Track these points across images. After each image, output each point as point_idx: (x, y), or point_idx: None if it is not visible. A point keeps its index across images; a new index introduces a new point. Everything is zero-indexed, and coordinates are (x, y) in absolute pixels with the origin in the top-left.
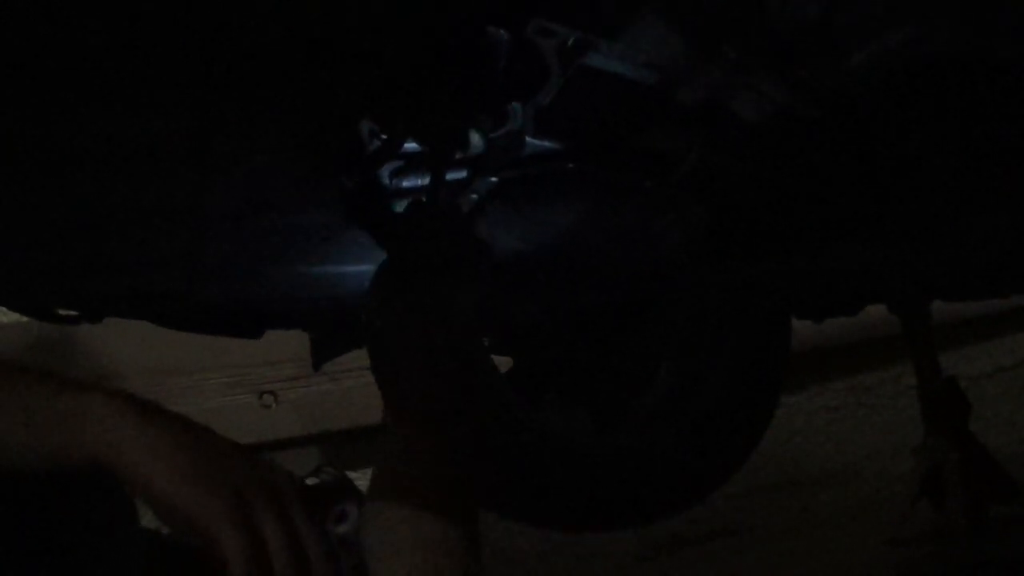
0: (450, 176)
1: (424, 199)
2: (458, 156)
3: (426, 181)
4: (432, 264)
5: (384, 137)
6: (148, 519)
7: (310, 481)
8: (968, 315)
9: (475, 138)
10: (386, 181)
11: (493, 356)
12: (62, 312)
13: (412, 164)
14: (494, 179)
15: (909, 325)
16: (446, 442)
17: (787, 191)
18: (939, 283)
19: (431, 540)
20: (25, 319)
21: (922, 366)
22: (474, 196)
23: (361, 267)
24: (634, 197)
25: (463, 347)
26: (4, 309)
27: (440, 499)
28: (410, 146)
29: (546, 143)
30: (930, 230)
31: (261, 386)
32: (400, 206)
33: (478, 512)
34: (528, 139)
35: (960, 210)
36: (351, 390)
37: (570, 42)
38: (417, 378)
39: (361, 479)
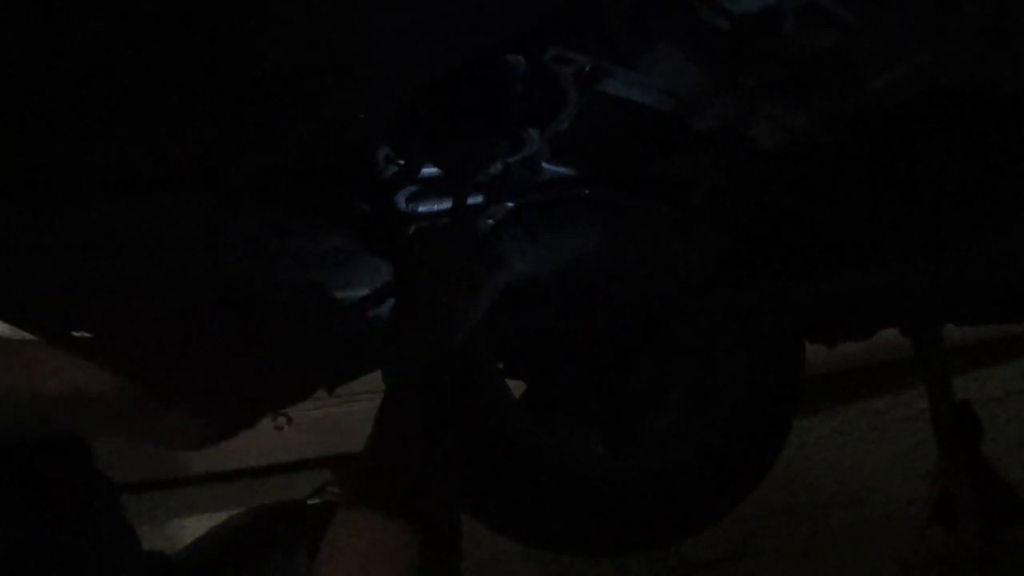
0: (467, 201)
1: (441, 223)
2: (475, 181)
3: (443, 206)
4: (444, 284)
5: (401, 162)
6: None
7: (312, 501)
8: (980, 338)
9: (493, 163)
10: (402, 206)
11: (507, 380)
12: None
13: (428, 189)
14: (510, 204)
15: (921, 349)
16: (454, 467)
17: (801, 216)
18: (952, 307)
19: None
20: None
21: (934, 390)
22: (490, 221)
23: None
24: (649, 222)
25: (474, 368)
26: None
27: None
28: (426, 171)
29: (562, 169)
30: (942, 254)
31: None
32: (416, 231)
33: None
34: (544, 165)
35: (972, 234)
36: (364, 412)
37: (587, 69)
38: (423, 400)
39: None
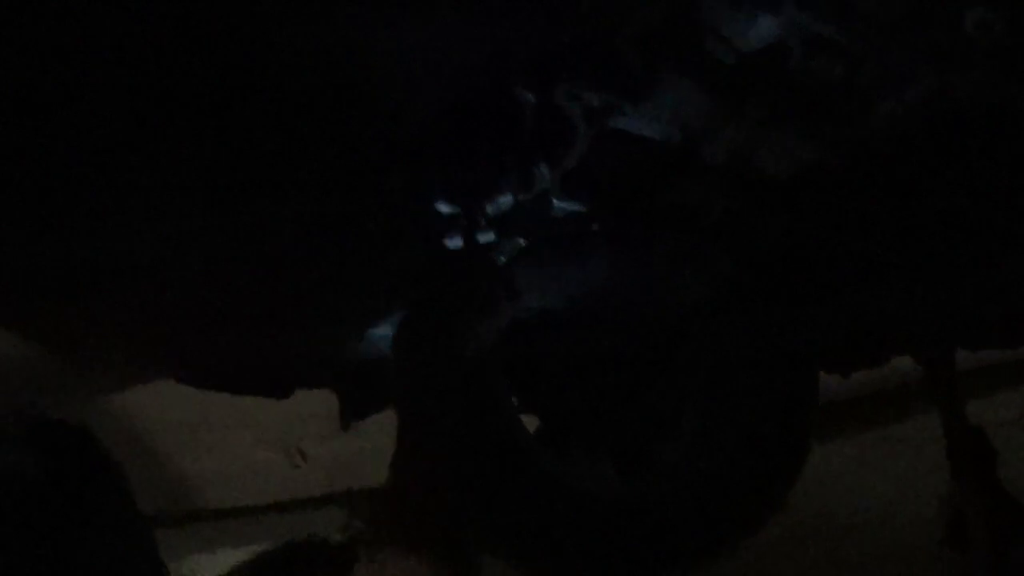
0: (480, 238)
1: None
2: (487, 217)
3: (455, 243)
4: (456, 314)
5: (414, 200)
6: None
7: (336, 539)
8: (993, 362)
9: (503, 199)
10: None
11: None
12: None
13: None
14: (522, 240)
15: (934, 374)
16: (469, 495)
17: (812, 241)
18: (963, 332)
19: None
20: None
21: (948, 415)
22: (502, 257)
23: (388, 329)
24: (659, 250)
25: (486, 396)
26: None
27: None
28: (440, 208)
29: (572, 205)
30: (954, 279)
31: (289, 444)
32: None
33: None
34: (555, 201)
35: (982, 258)
36: (380, 448)
37: (596, 105)
38: (440, 429)
39: None
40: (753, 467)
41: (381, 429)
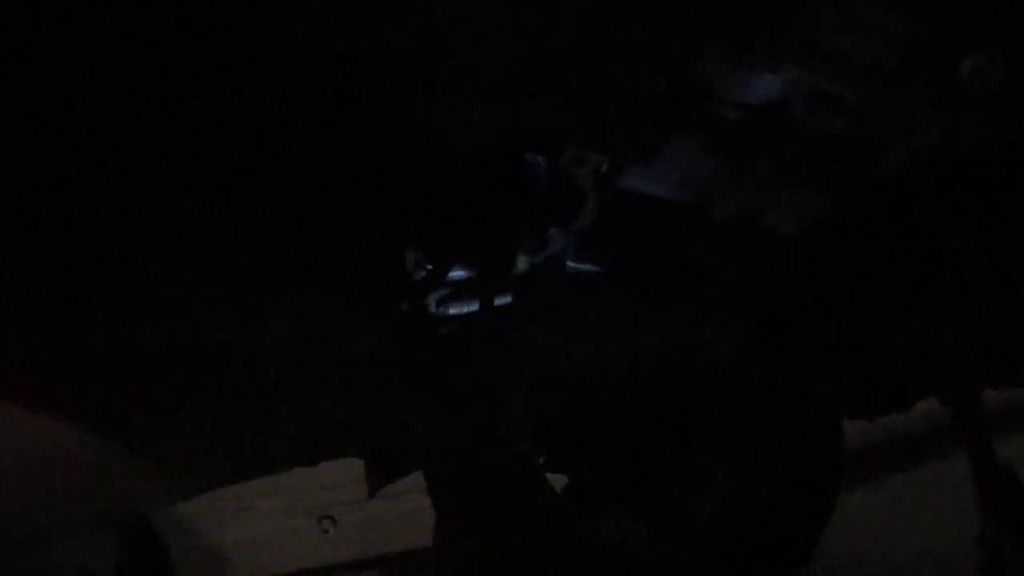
0: (496, 302)
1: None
2: (503, 281)
3: (472, 307)
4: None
5: (430, 266)
6: None
7: None
8: (1021, 400)
9: (519, 263)
10: (433, 309)
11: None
12: None
13: (458, 291)
14: (538, 303)
15: (962, 415)
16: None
17: (829, 293)
18: (989, 372)
19: None
20: None
21: (977, 456)
22: (519, 320)
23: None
24: (678, 311)
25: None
26: None
27: None
28: (455, 274)
29: (586, 266)
30: (975, 319)
31: (319, 510)
32: (447, 332)
33: None
34: (569, 263)
35: (1002, 297)
36: (408, 512)
37: (604, 167)
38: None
39: None
40: (784, 521)
41: (410, 491)
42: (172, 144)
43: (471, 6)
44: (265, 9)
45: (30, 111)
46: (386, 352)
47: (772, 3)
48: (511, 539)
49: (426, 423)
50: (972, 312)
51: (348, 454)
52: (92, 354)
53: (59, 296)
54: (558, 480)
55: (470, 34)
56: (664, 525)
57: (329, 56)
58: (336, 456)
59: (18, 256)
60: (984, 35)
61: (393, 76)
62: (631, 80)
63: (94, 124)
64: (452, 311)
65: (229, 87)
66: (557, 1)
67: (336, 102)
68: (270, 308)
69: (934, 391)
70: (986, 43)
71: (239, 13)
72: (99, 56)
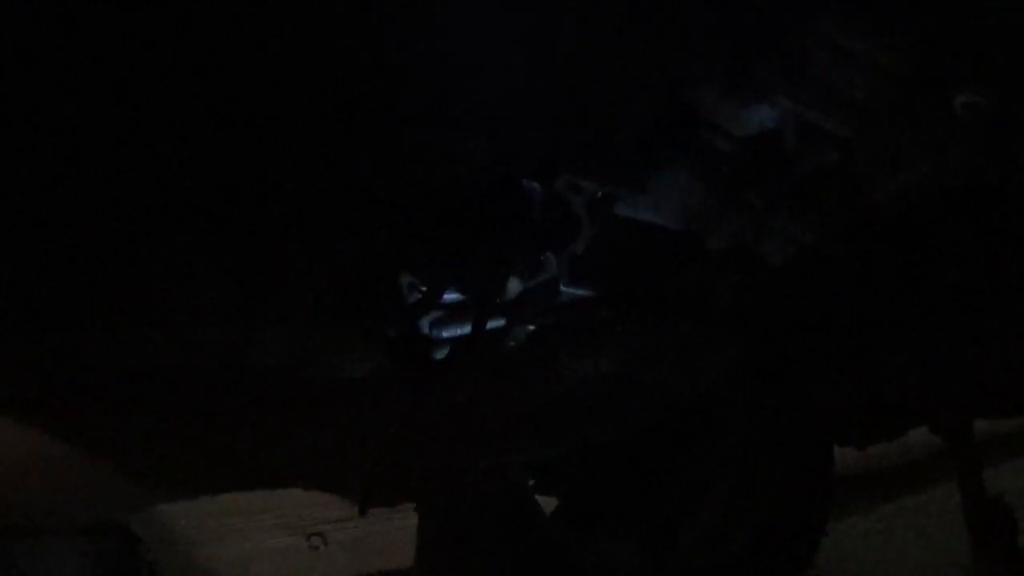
0: (489, 325)
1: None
2: (496, 304)
3: (466, 330)
4: (472, 408)
5: (424, 289)
6: None
7: None
8: (1011, 430)
9: (512, 287)
10: (426, 331)
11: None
12: None
13: (452, 314)
14: (531, 327)
15: (952, 444)
16: None
17: (820, 323)
18: (980, 401)
19: None
20: None
21: (967, 484)
22: (512, 343)
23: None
24: (671, 337)
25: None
26: None
27: None
28: (449, 297)
29: (580, 291)
30: (967, 349)
31: (309, 528)
32: (440, 355)
33: None
34: (563, 287)
35: (994, 327)
36: (399, 530)
37: (598, 195)
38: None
39: None
40: (774, 545)
41: (401, 510)
42: (169, 162)
43: (469, 34)
44: (263, 30)
45: (30, 123)
46: (379, 374)
47: (766, 37)
48: (500, 564)
49: (416, 445)
50: (963, 341)
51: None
52: (86, 371)
53: (52, 313)
54: (548, 504)
55: (468, 62)
56: (655, 547)
57: (327, 83)
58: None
59: (12, 274)
60: (976, 71)
61: (391, 102)
62: (626, 109)
63: (90, 139)
64: (445, 334)
65: (229, 104)
66: (553, 31)
67: (335, 125)
68: (264, 329)
69: (925, 420)
70: (978, 78)
71: (240, 31)
72: (97, 64)
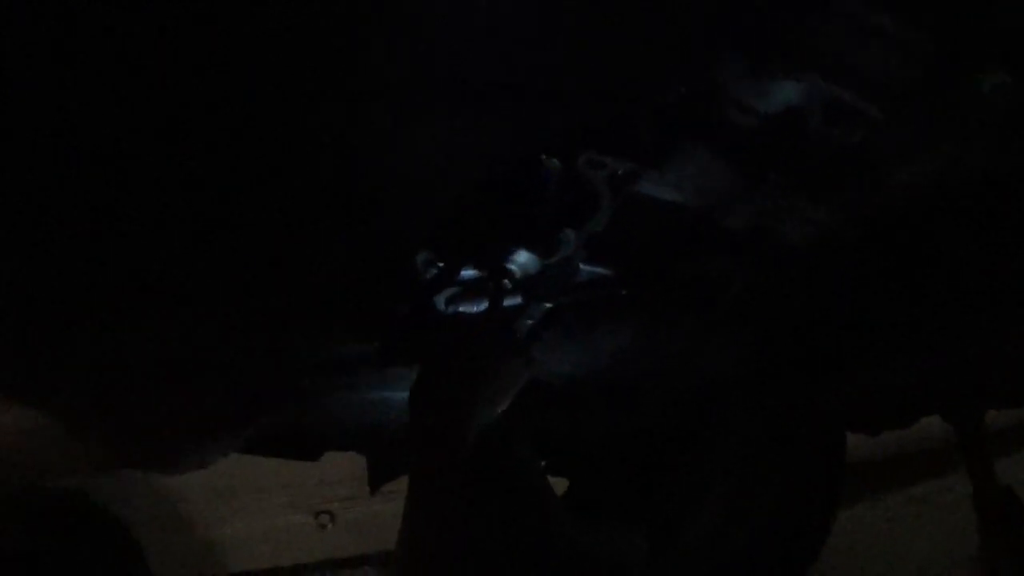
0: (506, 302)
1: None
2: (513, 282)
3: (481, 307)
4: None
5: (440, 265)
6: None
7: None
8: (1022, 420)
9: (530, 264)
10: (441, 307)
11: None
12: None
13: (467, 290)
14: (548, 305)
15: (963, 434)
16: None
17: (835, 309)
18: (992, 392)
19: None
20: None
21: (977, 474)
22: (528, 321)
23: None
24: (684, 322)
25: (515, 466)
26: None
27: None
28: (465, 273)
29: (598, 269)
30: (980, 339)
31: (317, 506)
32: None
33: None
34: (581, 266)
35: (1009, 318)
36: None
37: (619, 172)
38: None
39: None
40: (782, 535)
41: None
42: (168, 149)
43: (492, 7)
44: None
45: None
46: (374, 357)
47: (794, 12)
48: (505, 543)
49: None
50: (977, 331)
51: (349, 449)
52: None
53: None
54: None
55: (489, 36)
56: (661, 537)
57: (341, 53)
58: (338, 449)
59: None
60: (1005, 52)
61: (408, 76)
62: (649, 84)
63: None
64: (461, 309)
65: (233, 87)
66: (576, 5)
67: (347, 100)
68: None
69: (937, 408)
70: (1007, 60)
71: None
72: (100, 65)
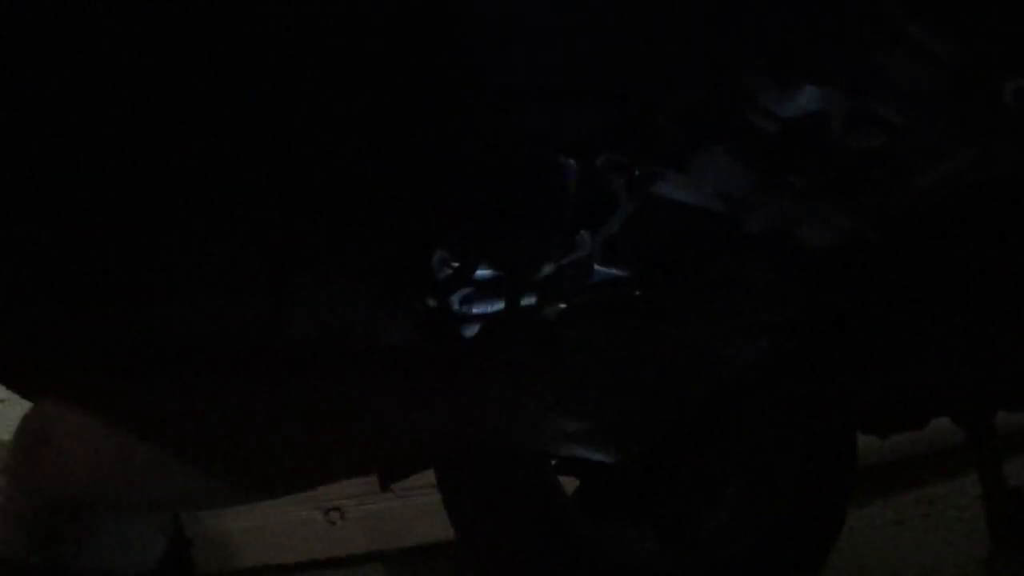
0: (521, 302)
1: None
2: (529, 282)
3: (496, 307)
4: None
5: (456, 265)
6: None
7: None
8: None
9: (546, 264)
10: (456, 307)
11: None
12: None
13: (483, 291)
14: (563, 305)
15: (974, 436)
16: (513, 560)
17: (851, 312)
18: (1003, 394)
19: None
20: None
21: (988, 476)
22: (544, 320)
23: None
24: (702, 322)
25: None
26: None
27: None
28: (481, 273)
29: (614, 271)
30: (992, 341)
31: (327, 502)
32: (470, 331)
33: None
34: (596, 267)
35: (1021, 320)
36: (417, 507)
37: (638, 173)
38: (483, 496)
39: None
40: (792, 536)
41: (419, 487)
42: (204, 128)
43: (512, 9)
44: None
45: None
46: (412, 347)
47: (817, 18)
48: (521, 542)
49: (444, 422)
50: (990, 334)
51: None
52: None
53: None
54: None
55: (511, 37)
56: (671, 535)
57: (369, 53)
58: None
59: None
60: None
61: (431, 75)
62: (670, 87)
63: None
64: (476, 310)
65: (264, 75)
66: (599, 7)
67: (372, 97)
68: (296, 300)
69: (947, 410)
70: None
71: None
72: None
